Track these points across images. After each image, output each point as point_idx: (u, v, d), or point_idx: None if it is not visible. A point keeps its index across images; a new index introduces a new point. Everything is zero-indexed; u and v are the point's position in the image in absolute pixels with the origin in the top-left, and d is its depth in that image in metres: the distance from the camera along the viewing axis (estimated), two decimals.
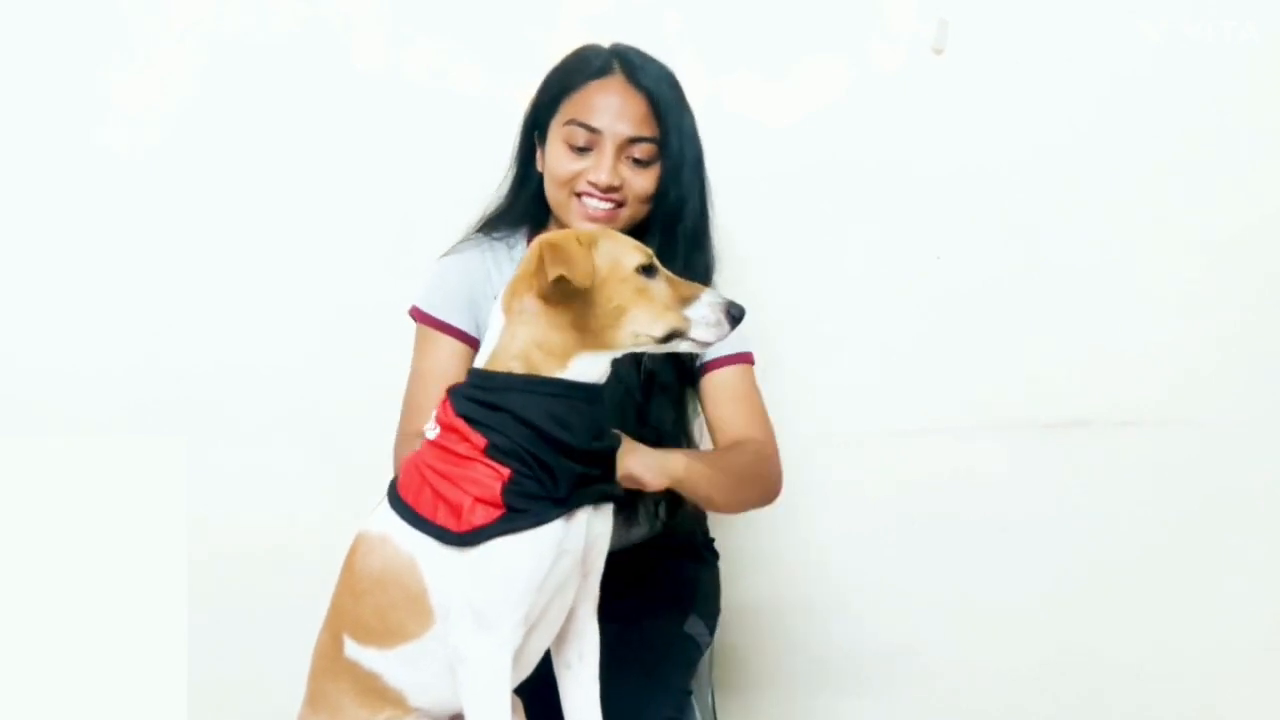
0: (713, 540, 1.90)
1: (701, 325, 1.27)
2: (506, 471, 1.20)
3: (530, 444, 1.21)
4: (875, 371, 2.19)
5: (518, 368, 1.24)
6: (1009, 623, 2.25)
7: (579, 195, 1.55)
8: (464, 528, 1.20)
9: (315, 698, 1.32)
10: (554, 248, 1.22)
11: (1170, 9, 2.10)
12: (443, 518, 1.21)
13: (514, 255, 1.63)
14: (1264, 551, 2.25)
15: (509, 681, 1.22)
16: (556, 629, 1.33)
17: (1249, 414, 2.22)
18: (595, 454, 1.27)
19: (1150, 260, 2.17)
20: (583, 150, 1.54)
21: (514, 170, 1.68)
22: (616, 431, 1.35)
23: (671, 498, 1.73)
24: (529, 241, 1.66)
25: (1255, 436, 2.22)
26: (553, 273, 1.19)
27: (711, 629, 1.76)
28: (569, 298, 1.22)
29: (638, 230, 1.60)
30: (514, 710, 1.31)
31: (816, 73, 2.10)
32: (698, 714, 1.78)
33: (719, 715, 1.98)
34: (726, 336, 1.29)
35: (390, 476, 1.38)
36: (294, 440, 2.09)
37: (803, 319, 2.16)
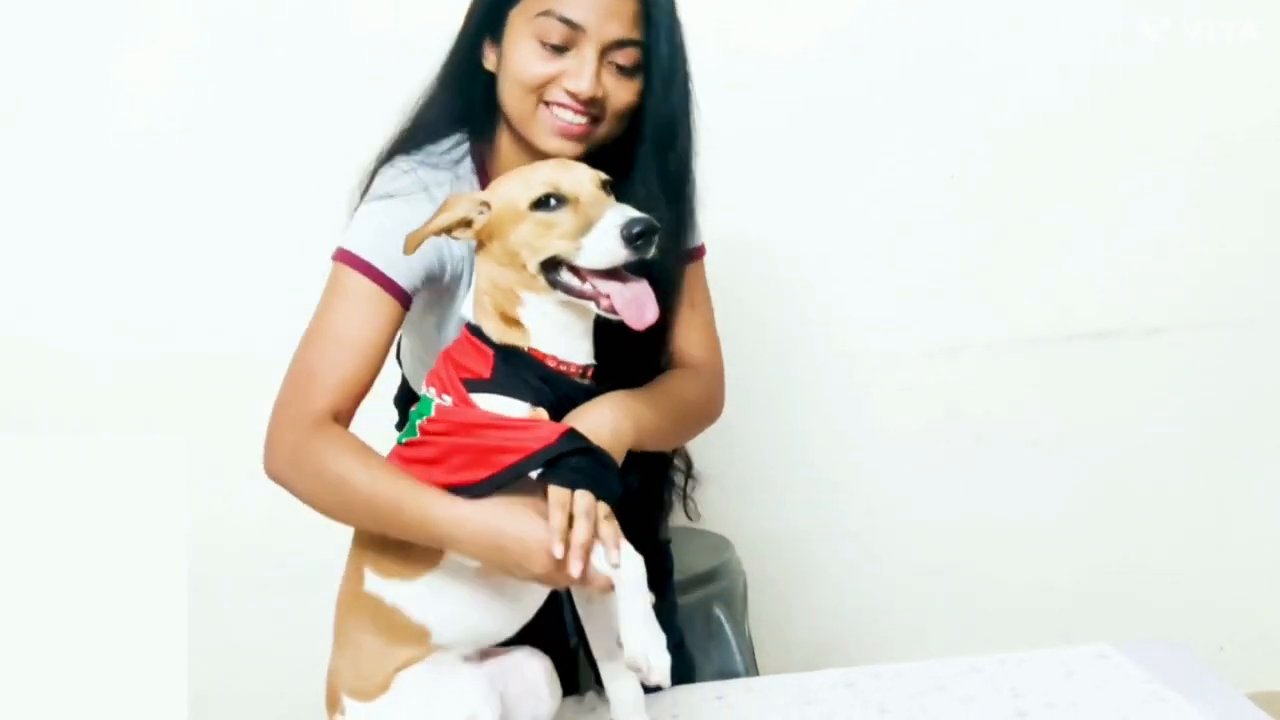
0: None
1: (589, 251, 1.09)
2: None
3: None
4: (900, 292, 2.17)
5: (487, 303, 1.16)
6: (1044, 537, 2.24)
7: (548, 104, 1.25)
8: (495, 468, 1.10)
9: (339, 639, 1.23)
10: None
11: None
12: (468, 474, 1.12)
13: (461, 177, 1.32)
14: None
15: None
16: None
17: (1276, 310, 2.20)
18: None
19: (1167, 163, 2.15)
20: (558, 49, 1.23)
21: (453, 65, 1.33)
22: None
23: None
24: (474, 158, 1.34)
25: None
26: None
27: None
28: (489, 239, 1.16)
29: (625, 156, 1.30)
30: (534, 660, 1.27)
31: None
32: (732, 635, 1.79)
33: (754, 642, 1.98)
34: (622, 261, 1.09)
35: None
36: None
37: (825, 244, 2.14)
